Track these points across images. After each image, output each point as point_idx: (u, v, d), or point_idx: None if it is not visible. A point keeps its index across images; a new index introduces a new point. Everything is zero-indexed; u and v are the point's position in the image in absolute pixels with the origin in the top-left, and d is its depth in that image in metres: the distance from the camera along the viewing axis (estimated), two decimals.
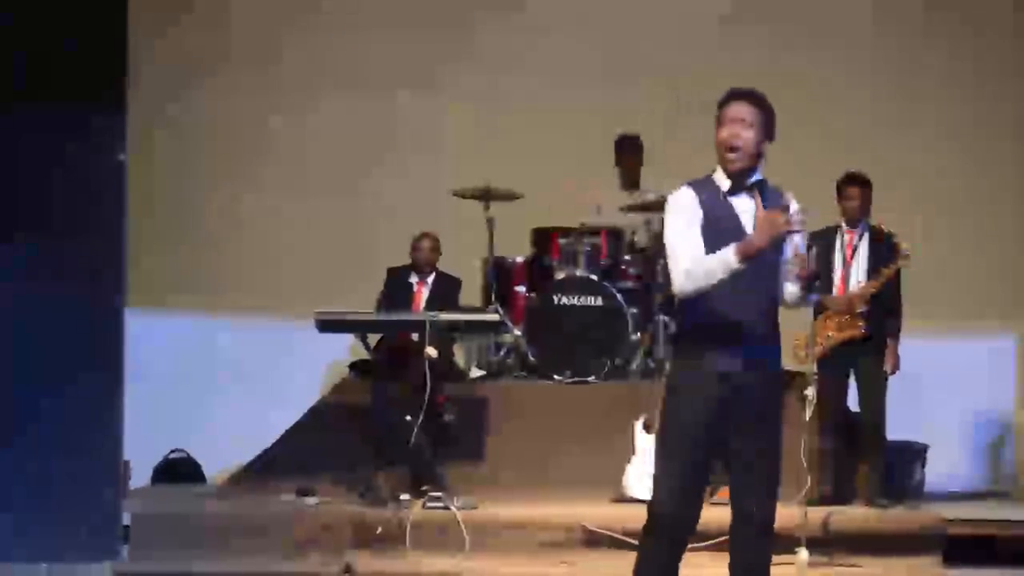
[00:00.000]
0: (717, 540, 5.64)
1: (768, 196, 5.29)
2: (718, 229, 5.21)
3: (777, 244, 5.13)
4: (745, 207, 5.26)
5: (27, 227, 8.22)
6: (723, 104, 5.31)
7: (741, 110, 5.28)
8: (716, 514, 5.80)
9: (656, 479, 5.41)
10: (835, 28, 10.20)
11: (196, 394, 9.73)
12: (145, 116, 9.09)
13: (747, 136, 5.25)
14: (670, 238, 5.29)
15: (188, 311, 9.98)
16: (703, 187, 5.32)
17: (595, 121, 9.85)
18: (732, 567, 5.46)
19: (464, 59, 10.30)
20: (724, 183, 5.30)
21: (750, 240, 5.11)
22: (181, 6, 10.02)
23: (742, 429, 5.31)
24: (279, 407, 9.27)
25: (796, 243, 5.17)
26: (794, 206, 5.29)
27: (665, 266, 5.58)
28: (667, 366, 5.64)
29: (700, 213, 5.25)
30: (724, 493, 5.76)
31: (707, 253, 5.16)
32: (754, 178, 5.31)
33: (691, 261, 5.19)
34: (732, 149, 5.24)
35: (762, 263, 5.15)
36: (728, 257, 5.09)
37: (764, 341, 5.31)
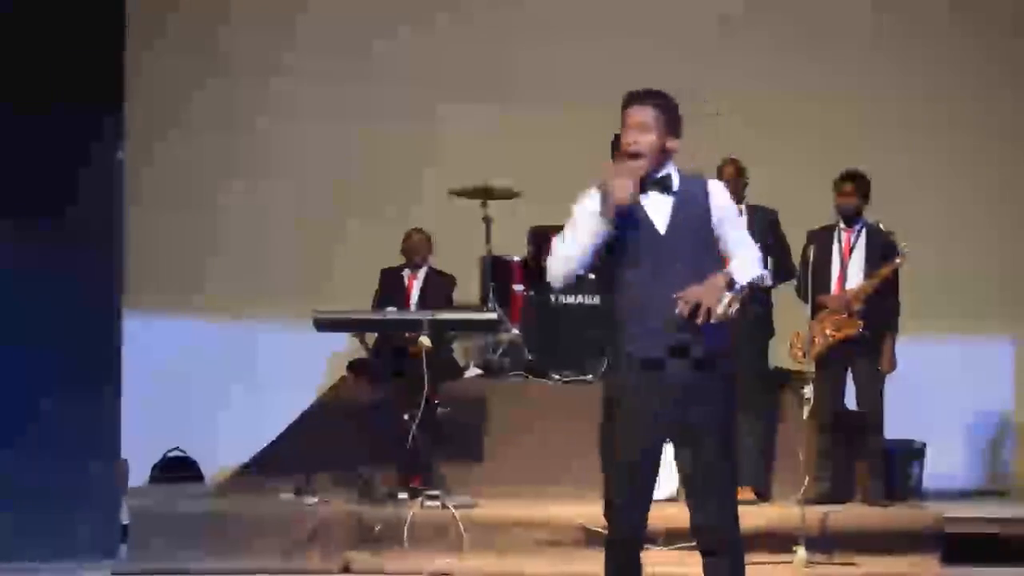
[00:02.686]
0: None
1: (686, 184, 5.27)
2: (622, 227, 5.20)
3: (696, 229, 5.17)
4: (655, 203, 5.24)
5: (25, 227, 8.28)
6: (624, 107, 5.28)
7: (640, 114, 5.24)
8: None
9: (605, 484, 5.36)
10: (837, 32, 10.22)
11: (194, 393, 9.75)
12: (143, 116, 9.15)
13: (646, 140, 5.19)
14: (561, 235, 5.30)
15: (186, 311, 10.01)
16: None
17: (593, 121, 9.87)
18: (705, 567, 5.33)
19: (462, 59, 10.33)
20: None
21: (612, 196, 5.09)
22: (175, 12, 10.08)
23: (688, 423, 5.24)
24: (277, 406, 9.29)
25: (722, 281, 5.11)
26: (717, 187, 5.33)
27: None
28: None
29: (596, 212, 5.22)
30: None
31: (621, 252, 5.16)
32: (662, 172, 5.25)
33: (559, 247, 5.24)
34: (634, 156, 5.20)
35: (684, 249, 5.16)
36: (587, 219, 5.13)
37: (691, 328, 5.13)
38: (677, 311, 5.04)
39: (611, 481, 5.33)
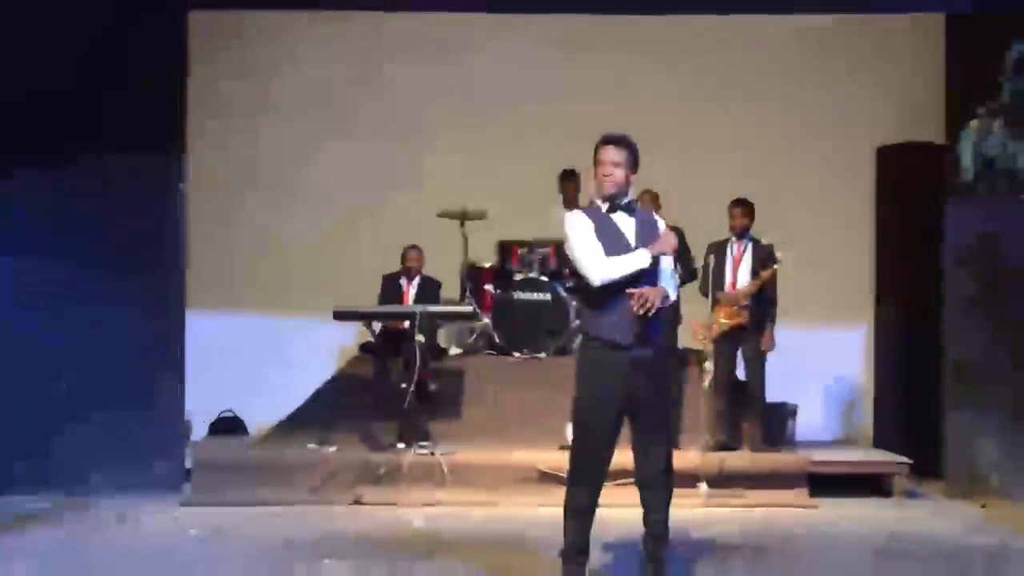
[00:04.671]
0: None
1: (639, 214, 5.46)
2: (605, 236, 5.34)
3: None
4: (621, 220, 5.38)
5: (109, 240, 8.26)
6: (599, 147, 5.37)
7: (615, 153, 5.35)
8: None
9: (574, 437, 5.41)
10: (739, 85, 10.07)
11: (240, 369, 9.62)
12: (200, 154, 9.04)
13: (618, 173, 5.34)
14: (578, 247, 5.33)
15: (233, 307, 9.87)
16: (590, 211, 5.44)
17: (544, 159, 9.83)
18: (645, 499, 5.44)
19: (446, 111, 10.15)
20: (603, 206, 5.40)
21: (659, 247, 5.31)
22: (227, 66, 9.86)
23: (641, 391, 5.31)
24: (305, 378, 9.21)
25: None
26: (662, 224, 5.49)
27: (571, 264, 5.63)
28: (576, 345, 5.61)
29: (592, 226, 5.35)
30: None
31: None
32: (627, 200, 5.40)
33: (606, 259, 5.28)
34: (610, 181, 5.32)
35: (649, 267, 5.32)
36: (643, 255, 5.28)
37: (649, 323, 5.28)
38: (633, 304, 5.18)
39: (583, 435, 5.37)
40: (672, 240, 5.42)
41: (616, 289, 5.28)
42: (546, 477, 7.74)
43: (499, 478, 7.99)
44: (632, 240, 5.36)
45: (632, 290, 5.24)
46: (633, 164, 5.39)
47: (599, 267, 5.29)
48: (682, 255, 8.37)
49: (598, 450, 5.35)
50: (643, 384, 5.32)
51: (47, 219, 8.19)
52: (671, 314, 8.11)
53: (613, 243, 5.33)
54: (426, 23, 9.84)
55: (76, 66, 8.13)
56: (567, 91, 10.01)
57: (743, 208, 8.55)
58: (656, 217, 5.59)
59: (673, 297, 5.47)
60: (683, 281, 8.23)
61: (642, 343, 5.30)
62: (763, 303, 8.47)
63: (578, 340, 5.56)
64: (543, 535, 6.03)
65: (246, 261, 10.06)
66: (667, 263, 5.44)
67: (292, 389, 9.16)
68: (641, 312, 5.22)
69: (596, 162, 5.39)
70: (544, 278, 9.50)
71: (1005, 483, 8.30)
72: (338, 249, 9.99)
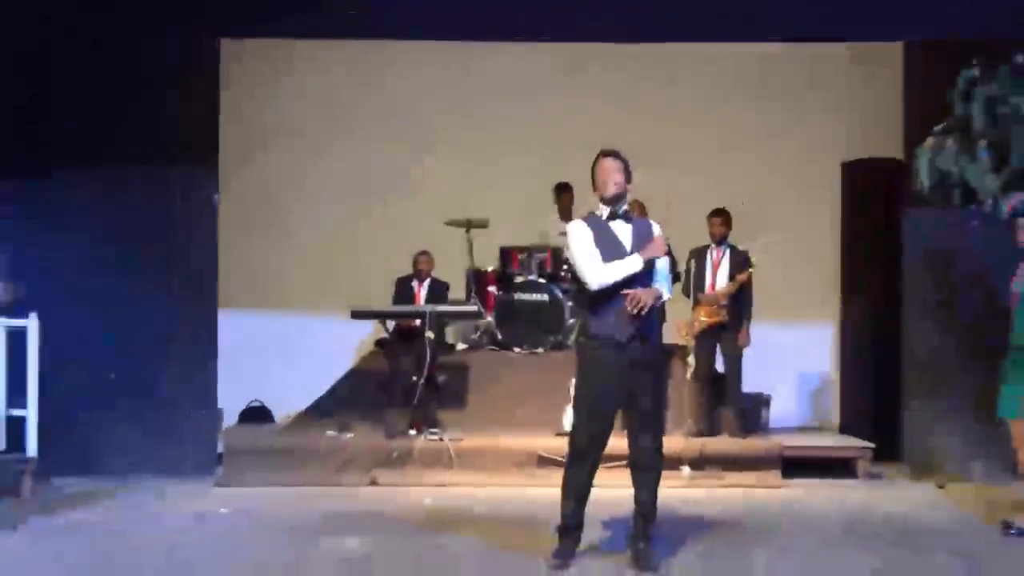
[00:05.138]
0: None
1: (636, 221, 5.55)
2: (604, 243, 5.43)
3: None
4: (618, 228, 5.48)
5: (148, 250, 8.30)
6: (599, 159, 5.48)
7: (613, 164, 5.47)
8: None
9: (575, 425, 5.50)
10: (718, 106, 10.06)
11: (268, 363, 9.64)
12: (231, 168, 9.11)
13: (619, 179, 5.46)
14: (579, 253, 5.42)
15: (261, 307, 9.90)
16: (590, 219, 5.53)
17: (544, 172, 9.80)
18: (636, 480, 5.52)
19: (453, 130, 10.20)
20: (604, 214, 5.50)
21: (650, 252, 5.39)
22: (254, 88, 9.90)
23: (637, 383, 5.39)
24: (325, 371, 9.27)
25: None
26: (656, 229, 5.56)
27: (572, 269, 5.75)
28: (576, 342, 5.65)
29: (592, 235, 5.44)
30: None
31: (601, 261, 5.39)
32: (622, 209, 5.51)
33: (603, 265, 5.37)
34: (610, 188, 5.44)
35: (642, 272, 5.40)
36: (635, 260, 5.36)
37: (644, 321, 5.39)
38: (627, 304, 5.27)
39: (583, 423, 5.43)
40: (663, 244, 5.48)
41: (613, 291, 5.35)
42: (544, 461, 7.78)
43: (501, 461, 8.03)
44: (628, 246, 5.43)
45: (627, 291, 5.34)
46: (627, 175, 5.50)
47: (596, 273, 5.37)
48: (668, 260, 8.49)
49: (596, 436, 5.41)
50: (639, 377, 5.39)
51: (98, 229, 8.23)
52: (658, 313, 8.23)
53: (611, 249, 5.41)
54: (435, 50, 9.84)
55: (122, 93, 8.19)
56: (561, 112, 10.03)
57: (722, 218, 8.63)
58: (651, 223, 5.63)
59: (667, 296, 5.52)
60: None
61: (638, 340, 5.37)
62: (740, 303, 8.52)
63: (577, 337, 5.63)
64: (542, 513, 6.08)
65: (272, 265, 10.07)
66: (662, 264, 5.51)
67: (314, 381, 9.20)
68: (635, 312, 5.31)
69: (597, 171, 5.46)
70: (542, 280, 9.52)
71: (959, 465, 8.36)
72: (356, 254, 9.99)
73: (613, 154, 5.50)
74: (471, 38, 9.10)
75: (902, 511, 7.26)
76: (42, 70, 8.15)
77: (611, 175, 5.45)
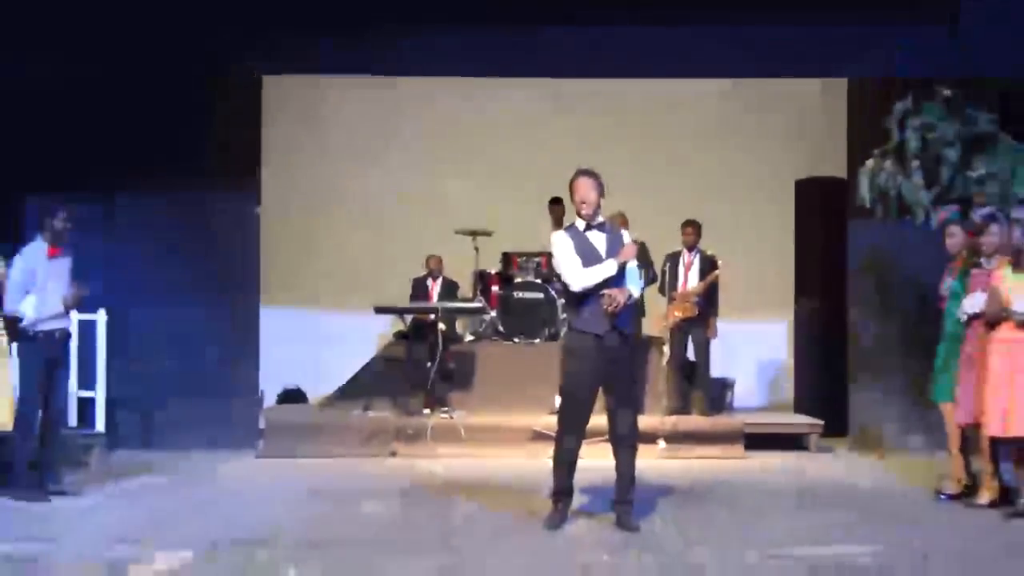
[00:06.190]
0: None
1: (608, 230, 5.47)
2: (583, 251, 5.37)
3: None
4: (594, 237, 5.42)
5: (199, 255, 8.25)
6: (575, 178, 5.41)
7: (588, 182, 5.39)
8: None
9: (562, 405, 5.48)
10: (690, 132, 10.05)
11: (303, 352, 9.59)
12: (272, 185, 9.09)
13: (592, 197, 5.38)
14: (561, 260, 5.38)
15: (296, 305, 9.88)
16: (571, 230, 5.47)
17: (539, 188, 9.85)
18: (616, 453, 5.48)
19: (463, 152, 10.18)
20: (581, 225, 5.43)
21: (622, 257, 5.34)
22: (292, 116, 9.85)
23: (613, 370, 5.35)
24: (352, 359, 9.22)
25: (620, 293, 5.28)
26: (627, 237, 5.50)
27: (558, 274, 5.68)
28: (562, 334, 5.63)
29: (572, 244, 5.39)
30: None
31: (581, 267, 5.34)
32: (598, 220, 5.45)
33: (583, 270, 5.32)
34: (586, 205, 5.38)
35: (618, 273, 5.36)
36: (611, 265, 5.31)
37: (619, 316, 5.34)
38: (603, 304, 5.22)
39: (569, 403, 5.40)
40: (633, 250, 5.43)
41: (592, 291, 5.32)
42: (539, 435, 7.75)
43: (503, 436, 8.01)
44: (603, 253, 5.38)
45: (604, 291, 5.30)
46: (601, 192, 5.43)
47: (577, 277, 5.33)
48: (645, 263, 8.44)
49: (580, 415, 5.38)
50: (615, 364, 5.35)
51: (161, 238, 8.23)
52: (636, 309, 8.23)
53: (589, 256, 5.37)
54: (448, 86, 9.82)
55: (178, 122, 8.15)
56: (553, 140, 9.96)
57: (692, 227, 8.60)
58: (623, 231, 5.59)
59: (636, 295, 5.47)
60: (647, 283, 8.25)
61: (614, 332, 5.34)
62: (708, 300, 8.50)
63: (564, 330, 5.60)
64: (537, 480, 6.08)
65: (307, 268, 10.03)
66: (632, 267, 5.44)
67: (342, 368, 9.17)
68: (610, 309, 5.29)
69: (574, 189, 5.40)
70: (538, 281, 9.50)
71: (898, 440, 8.35)
72: (379, 259, 9.96)
73: (588, 173, 5.44)
74: (477, 75, 9.09)
75: (848, 479, 7.26)
76: (107, 103, 8.08)
77: (587, 193, 5.39)
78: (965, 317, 6.18)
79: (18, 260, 6.13)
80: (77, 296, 6.26)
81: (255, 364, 8.58)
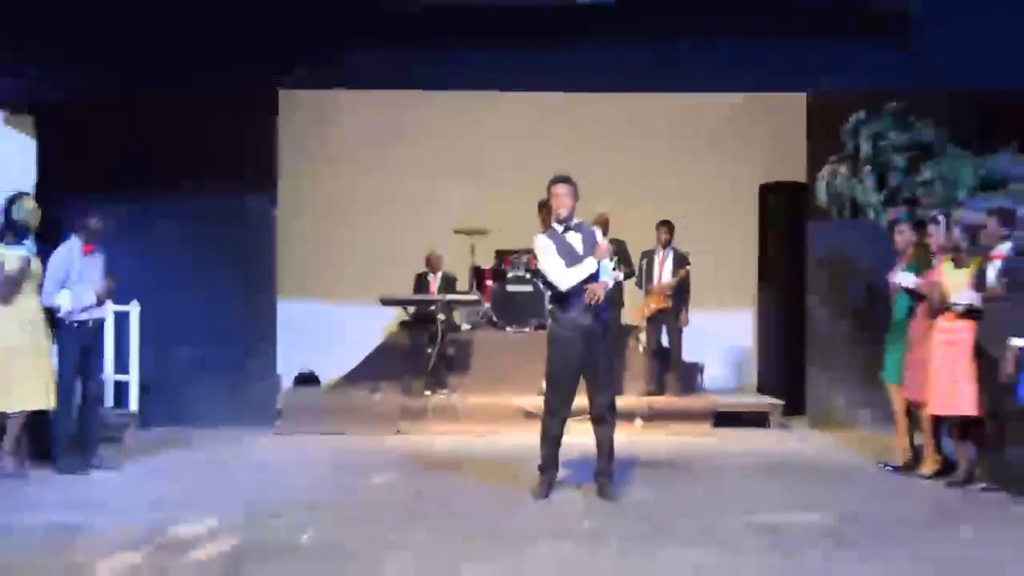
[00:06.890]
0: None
1: (583, 230, 5.44)
2: (564, 251, 5.36)
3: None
4: (571, 238, 5.40)
5: (223, 252, 8.21)
6: (552, 185, 5.38)
7: (564, 189, 5.37)
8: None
9: (548, 390, 5.47)
10: (664, 143, 9.94)
11: (316, 340, 9.50)
12: (288, 189, 8.97)
13: (568, 202, 5.36)
14: (547, 264, 5.35)
15: (311, 297, 9.80)
16: (551, 233, 5.44)
17: (530, 192, 9.77)
18: (597, 430, 5.48)
19: (461, 159, 10.08)
20: (559, 228, 5.42)
21: (599, 255, 5.32)
22: (305, 128, 9.68)
23: (592, 356, 5.35)
24: (360, 346, 9.17)
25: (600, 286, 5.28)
26: (599, 236, 5.47)
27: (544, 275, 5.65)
28: (548, 323, 5.57)
29: (554, 246, 5.37)
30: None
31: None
32: (574, 222, 5.42)
33: (566, 270, 5.31)
34: (562, 209, 5.36)
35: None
36: (590, 263, 5.30)
37: (599, 308, 5.35)
38: (586, 296, 5.23)
39: (553, 388, 5.40)
40: (606, 248, 5.41)
41: (575, 287, 5.33)
42: (528, 414, 7.73)
43: (496, 415, 7.99)
44: (581, 251, 5.37)
45: (586, 286, 5.29)
46: (576, 196, 5.41)
47: (563, 279, 5.32)
48: (624, 260, 8.44)
49: (564, 398, 5.39)
50: (594, 351, 5.36)
51: (188, 237, 8.18)
52: (613, 300, 8.24)
53: (569, 255, 5.36)
54: (448, 98, 9.68)
55: (203, 131, 8.12)
56: (543, 148, 9.88)
57: (666, 227, 8.59)
58: (595, 230, 5.54)
59: (611, 284, 5.46)
60: (625, 277, 8.27)
61: (594, 321, 5.35)
62: (680, 293, 8.49)
63: (549, 321, 5.55)
64: (526, 454, 6.03)
65: (319, 264, 9.94)
66: (605, 262, 5.44)
67: (351, 354, 9.12)
68: (591, 302, 5.29)
69: (551, 195, 5.39)
70: (528, 276, 9.42)
71: (849, 417, 8.34)
72: (384, 255, 9.87)
73: (564, 180, 5.41)
74: (475, 88, 9.03)
75: (805, 452, 7.29)
76: (141, 116, 8.08)
77: (563, 199, 5.36)
78: (900, 287, 6.22)
79: (54, 257, 6.13)
80: (109, 289, 6.26)
81: (273, 351, 8.53)
